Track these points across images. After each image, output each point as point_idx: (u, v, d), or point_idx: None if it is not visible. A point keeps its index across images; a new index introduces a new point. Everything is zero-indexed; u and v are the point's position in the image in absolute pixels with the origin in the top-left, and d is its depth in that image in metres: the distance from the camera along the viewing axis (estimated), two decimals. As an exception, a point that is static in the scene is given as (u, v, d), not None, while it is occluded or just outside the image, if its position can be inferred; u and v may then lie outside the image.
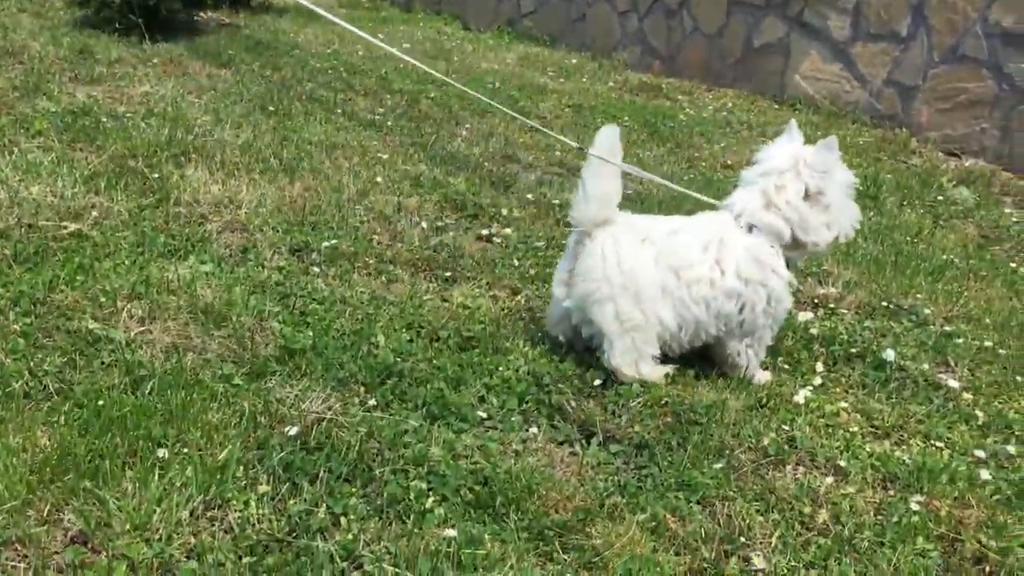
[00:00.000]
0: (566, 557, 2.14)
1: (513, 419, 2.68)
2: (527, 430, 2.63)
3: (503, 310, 3.38)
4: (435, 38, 9.04)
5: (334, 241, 3.72)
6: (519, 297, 3.49)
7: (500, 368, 2.91)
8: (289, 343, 2.85)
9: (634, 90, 7.58)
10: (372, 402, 2.64)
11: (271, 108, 5.51)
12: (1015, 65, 6.09)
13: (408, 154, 4.99)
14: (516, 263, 3.76)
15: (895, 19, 6.72)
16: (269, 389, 2.62)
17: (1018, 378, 3.26)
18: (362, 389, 2.70)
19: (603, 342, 2.88)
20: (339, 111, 5.73)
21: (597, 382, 2.87)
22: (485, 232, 4.06)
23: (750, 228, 2.89)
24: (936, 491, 2.51)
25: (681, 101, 7.35)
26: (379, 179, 4.49)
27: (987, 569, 2.27)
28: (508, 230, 4.10)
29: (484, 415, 2.67)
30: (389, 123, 5.61)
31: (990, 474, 2.64)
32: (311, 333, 2.96)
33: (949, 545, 2.33)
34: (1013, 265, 4.78)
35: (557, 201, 4.53)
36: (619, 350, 2.85)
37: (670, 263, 2.82)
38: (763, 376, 3.07)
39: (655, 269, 2.81)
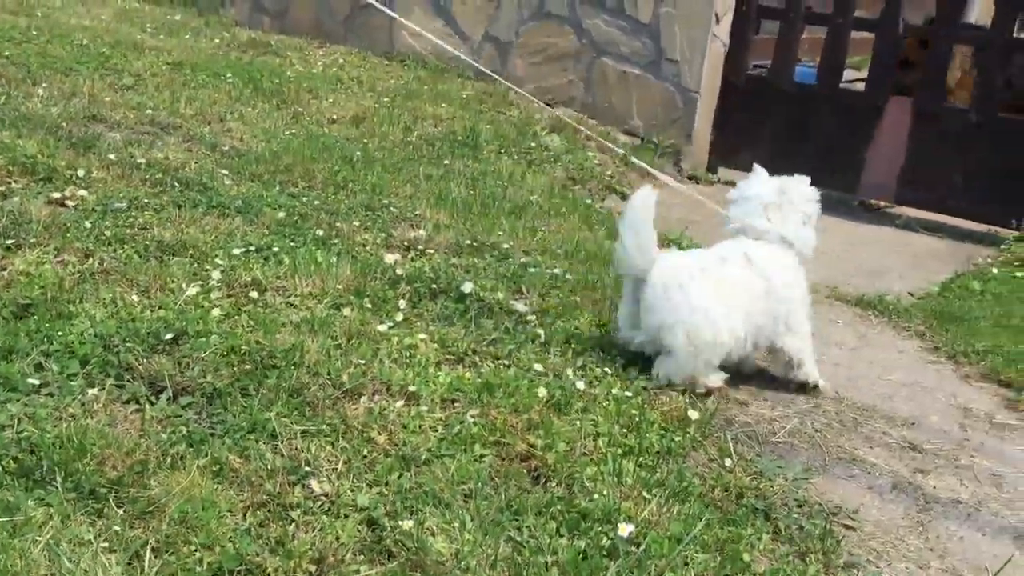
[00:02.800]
0: (120, 511, 2.08)
1: (73, 383, 2.53)
2: (87, 393, 2.50)
3: (72, 274, 3.17)
4: (19, -9, 8.17)
5: None
6: (92, 260, 3.29)
7: (61, 333, 2.74)
8: None
9: (242, 47, 7.37)
10: None
11: None
12: (591, 21, 6.70)
13: (-30, 116, 4.49)
14: (90, 225, 3.53)
15: (486, -22, 7.10)
16: None
17: (577, 299, 3.63)
18: None
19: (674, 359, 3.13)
20: None
21: (168, 336, 2.79)
22: (58, 195, 3.77)
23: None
24: (494, 403, 2.74)
25: (291, 58, 7.26)
26: (-70, 143, 4.00)
27: (533, 464, 2.52)
28: (84, 192, 3.83)
29: (39, 382, 2.50)
30: (-51, 83, 5.01)
31: (546, 385, 2.91)
32: None
33: (501, 449, 2.56)
34: (589, 201, 5.30)
35: (144, 160, 4.31)
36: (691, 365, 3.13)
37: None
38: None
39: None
